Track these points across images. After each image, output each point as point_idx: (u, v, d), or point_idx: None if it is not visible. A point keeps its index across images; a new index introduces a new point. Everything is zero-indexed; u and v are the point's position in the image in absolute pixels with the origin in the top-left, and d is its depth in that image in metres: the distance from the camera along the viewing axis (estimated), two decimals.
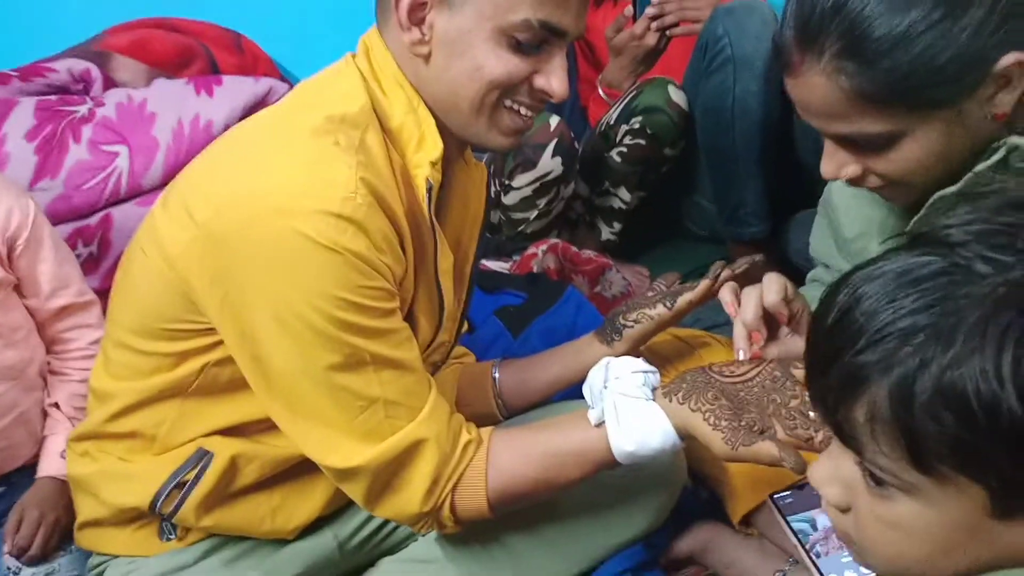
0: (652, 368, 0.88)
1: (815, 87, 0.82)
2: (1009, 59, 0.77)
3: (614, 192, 1.75)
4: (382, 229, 0.84)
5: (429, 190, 0.88)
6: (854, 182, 0.88)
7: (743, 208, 1.61)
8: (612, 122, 1.68)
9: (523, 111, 0.90)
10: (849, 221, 1.06)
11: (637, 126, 1.64)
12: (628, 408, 0.85)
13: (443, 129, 0.90)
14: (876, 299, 0.52)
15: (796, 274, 1.58)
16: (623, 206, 1.76)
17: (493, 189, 1.66)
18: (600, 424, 0.87)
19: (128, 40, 1.66)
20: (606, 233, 1.81)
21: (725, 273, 1.09)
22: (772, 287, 0.94)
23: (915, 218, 0.87)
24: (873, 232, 1.02)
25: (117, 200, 1.49)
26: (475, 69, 0.85)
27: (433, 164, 0.87)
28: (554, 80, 0.87)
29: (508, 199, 1.65)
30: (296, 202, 0.80)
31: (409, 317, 0.94)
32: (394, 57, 0.88)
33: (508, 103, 0.89)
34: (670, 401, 0.84)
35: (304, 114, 0.87)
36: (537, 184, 1.62)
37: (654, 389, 0.87)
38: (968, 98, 0.79)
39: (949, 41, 0.76)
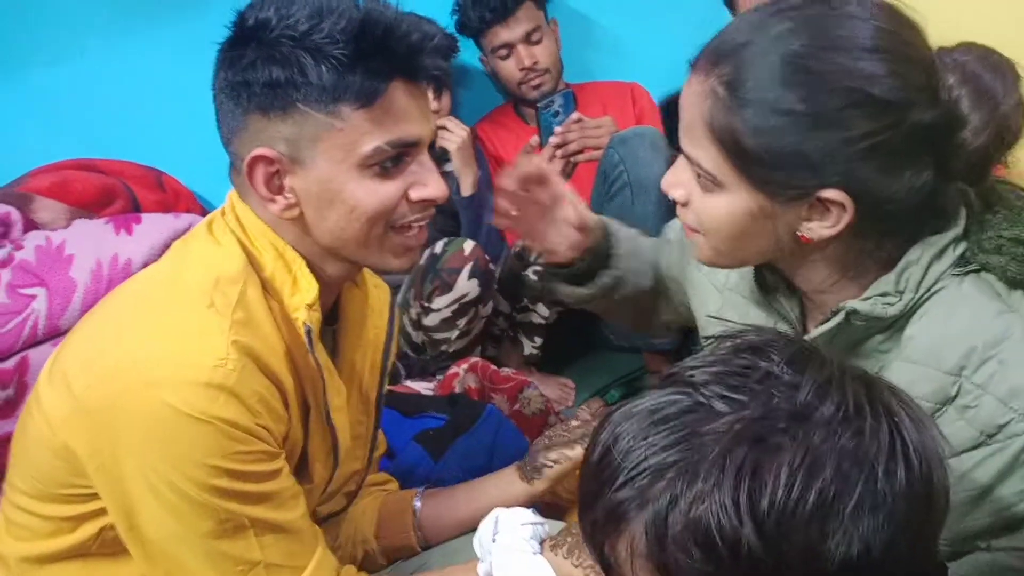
0: (541, 520, 0.91)
1: (693, 96, 0.81)
2: (832, 192, 0.77)
3: (533, 308, 1.81)
4: (257, 391, 0.84)
5: (308, 332, 0.89)
6: (678, 207, 0.88)
7: None
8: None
9: (413, 226, 0.91)
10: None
11: None
12: (514, 563, 0.87)
13: (322, 267, 0.92)
14: (632, 437, 0.56)
15: None
16: (543, 321, 1.82)
17: (414, 311, 1.71)
18: None
19: (49, 182, 1.68)
20: (528, 347, 1.86)
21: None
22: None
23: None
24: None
25: (34, 342, 1.49)
26: (351, 211, 0.87)
27: (309, 307, 0.89)
28: (430, 186, 0.89)
29: (428, 320, 1.70)
30: (165, 373, 0.81)
31: (302, 462, 0.95)
32: (264, 220, 0.90)
33: (396, 225, 0.90)
34: (556, 555, 0.87)
35: (180, 278, 0.89)
36: (456, 305, 1.67)
37: (543, 541, 0.89)
38: (785, 204, 0.79)
39: (802, 140, 0.75)
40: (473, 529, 1.11)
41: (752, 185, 0.79)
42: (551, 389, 1.82)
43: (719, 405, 0.55)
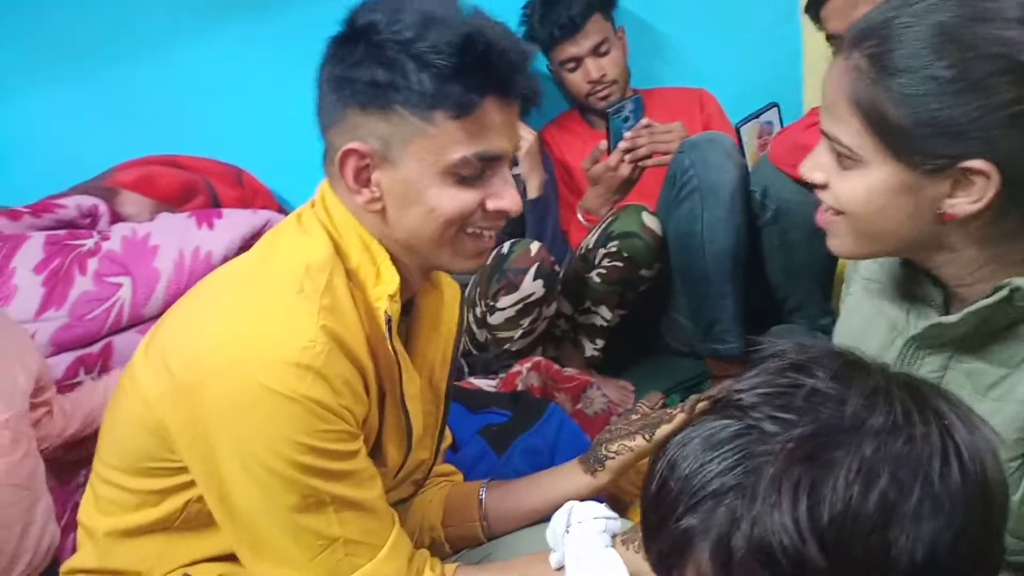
0: (614, 515, 0.92)
1: (836, 75, 0.82)
2: (976, 163, 0.77)
3: (596, 311, 1.83)
4: (342, 374, 0.88)
5: (388, 322, 0.93)
6: (817, 192, 0.88)
7: (717, 325, 1.68)
8: (591, 246, 1.77)
9: (484, 233, 0.96)
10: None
11: (614, 249, 1.73)
12: (587, 555, 0.88)
13: (403, 261, 0.96)
14: (688, 464, 0.57)
15: None
16: (605, 323, 1.83)
17: (479, 309, 1.74)
18: (560, 568, 0.90)
19: (134, 176, 1.76)
20: (590, 350, 1.87)
21: (701, 405, 1.16)
22: None
23: (912, 335, 0.90)
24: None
25: (119, 329, 1.56)
26: (429, 211, 0.91)
27: (391, 297, 0.93)
28: (505, 199, 0.93)
29: (493, 319, 1.72)
30: (258, 354, 0.85)
31: (377, 446, 0.99)
32: (350, 211, 0.95)
33: (469, 230, 0.95)
34: (627, 549, 0.88)
35: (271, 265, 0.94)
36: (520, 305, 1.69)
37: (615, 536, 0.90)
38: (929, 176, 0.79)
39: (947, 106, 0.76)
40: (536, 521, 1.14)
41: (895, 157, 0.80)
42: (611, 391, 1.83)
43: (769, 426, 0.56)
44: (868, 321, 0.98)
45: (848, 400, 0.56)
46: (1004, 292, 0.80)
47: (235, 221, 1.68)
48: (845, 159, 0.83)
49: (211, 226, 1.65)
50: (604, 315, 1.82)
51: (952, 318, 0.84)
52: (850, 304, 1.04)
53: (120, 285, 1.56)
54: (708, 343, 1.72)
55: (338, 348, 0.89)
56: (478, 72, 0.87)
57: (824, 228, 0.90)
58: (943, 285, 0.90)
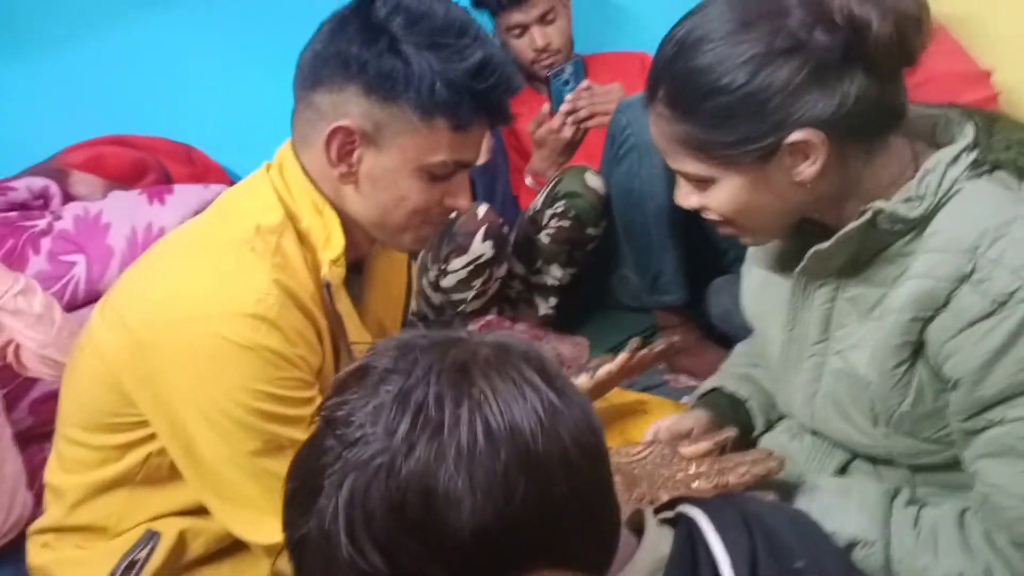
0: None
1: (653, 124, 0.93)
2: (795, 135, 0.85)
3: (547, 270, 1.87)
4: (295, 325, 0.94)
5: (327, 286, 0.98)
6: (702, 213, 0.96)
7: (662, 277, 1.74)
8: (539, 207, 1.82)
9: (436, 222, 1.04)
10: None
11: (561, 209, 1.78)
12: None
13: (356, 228, 1.01)
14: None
15: (721, 338, 1.71)
16: (557, 283, 1.88)
17: (432, 273, 1.78)
18: None
19: (84, 157, 1.78)
20: (544, 308, 1.92)
21: (643, 352, 1.28)
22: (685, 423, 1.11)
23: (797, 269, 0.96)
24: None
25: (75, 306, 1.58)
26: (400, 199, 0.98)
27: (333, 262, 0.98)
28: (461, 200, 1.02)
29: (446, 282, 1.77)
30: (213, 307, 0.91)
31: None
32: (311, 176, 0.99)
33: (423, 219, 1.02)
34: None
35: (224, 225, 0.99)
36: (472, 267, 1.74)
37: None
38: (765, 163, 0.87)
39: (746, 107, 0.85)
40: None
41: (732, 166, 0.89)
42: (565, 347, 1.88)
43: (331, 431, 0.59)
44: (771, 268, 1.06)
45: (381, 391, 0.57)
46: (868, 215, 0.88)
47: (186, 197, 1.70)
48: (700, 183, 0.92)
49: (162, 202, 1.68)
50: (555, 274, 1.87)
51: (825, 244, 0.91)
52: (752, 253, 1.12)
53: (74, 263, 1.59)
54: (654, 295, 1.77)
55: (290, 301, 0.94)
56: (486, 96, 0.94)
57: (737, 238, 0.98)
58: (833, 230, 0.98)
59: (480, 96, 0.94)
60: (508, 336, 0.62)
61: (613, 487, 0.62)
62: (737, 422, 1.13)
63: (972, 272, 0.84)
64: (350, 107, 0.94)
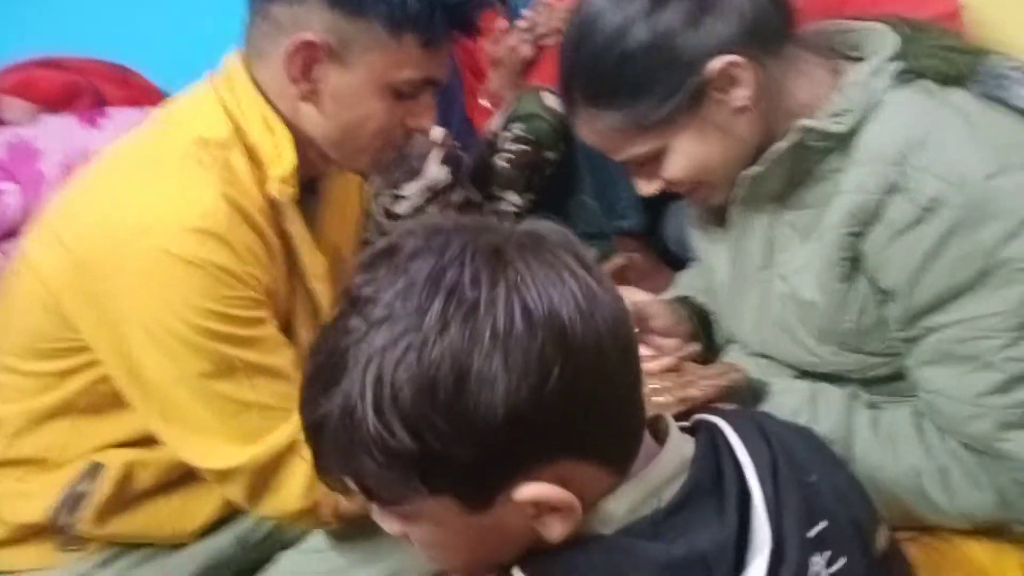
0: None
1: (581, 128, 0.92)
2: (717, 63, 0.84)
3: (504, 196, 1.83)
4: (244, 241, 0.89)
5: (274, 204, 0.93)
6: (671, 190, 0.96)
7: (619, 202, 1.72)
8: (496, 130, 1.76)
9: (395, 144, 0.99)
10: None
11: (519, 132, 1.73)
12: None
13: (310, 146, 0.96)
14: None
15: (679, 263, 1.70)
16: (514, 209, 1.84)
17: (386, 199, 1.73)
18: None
19: (13, 80, 1.68)
20: None
21: (602, 265, 1.22)
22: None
23: (730, 199, 0.96)
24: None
25: (9, 234, 1.51)
26: (364, 118, 0.94)
27: (283, 180, 0.93)
28: (424, 119, 0.98)
29: (400, 208, 1.72)
30: (159, 221, 0.85)
31: (288, 329, 0.99)
32: (263, 91, 0.93)
33: (385, 140, 0.97)
34: None
35: (167, 139, 0.93)
36: (428, 193, 1.69)
37: None
38: (701, 107, 0.87)
39: (653, 63, 0.85)
40: None
41: (672, 127, 0.88)
42: None
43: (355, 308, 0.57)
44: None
45: (412, 270, 0.55)
46: (796, 134, 0.87)
47: (122, 120, 1.62)
48: (652, 162, 0.91)
49: (96, 126, 1.61)
50: (513, 200, 1.83)
51: (757, 167, 0.90)
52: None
53: (5, 191, 1.51)
54: (612, 220, 1.75)
55: (240, 216, 0.89)
56: (457, 9, 0.91)
57: (706, 202, 0.98)
58: None
59: (452, 9, 0.91)
60: (539, 224, 0.60)
61: (641, 384, 0.61)
62: (700, 336, 1.12)
63: (900, 182, 0.84)
64: (312, 20, 0.89)
